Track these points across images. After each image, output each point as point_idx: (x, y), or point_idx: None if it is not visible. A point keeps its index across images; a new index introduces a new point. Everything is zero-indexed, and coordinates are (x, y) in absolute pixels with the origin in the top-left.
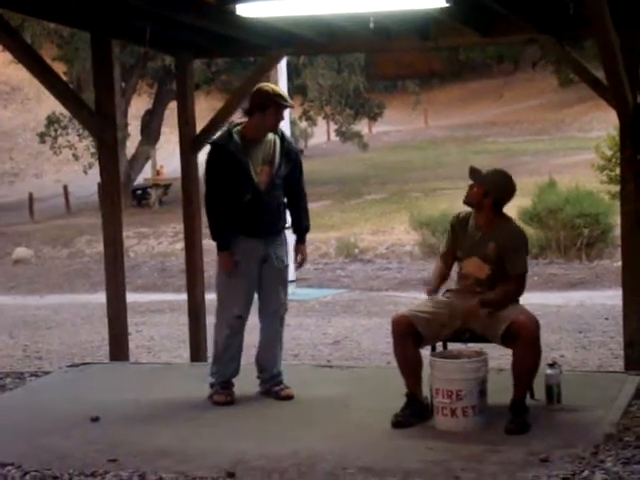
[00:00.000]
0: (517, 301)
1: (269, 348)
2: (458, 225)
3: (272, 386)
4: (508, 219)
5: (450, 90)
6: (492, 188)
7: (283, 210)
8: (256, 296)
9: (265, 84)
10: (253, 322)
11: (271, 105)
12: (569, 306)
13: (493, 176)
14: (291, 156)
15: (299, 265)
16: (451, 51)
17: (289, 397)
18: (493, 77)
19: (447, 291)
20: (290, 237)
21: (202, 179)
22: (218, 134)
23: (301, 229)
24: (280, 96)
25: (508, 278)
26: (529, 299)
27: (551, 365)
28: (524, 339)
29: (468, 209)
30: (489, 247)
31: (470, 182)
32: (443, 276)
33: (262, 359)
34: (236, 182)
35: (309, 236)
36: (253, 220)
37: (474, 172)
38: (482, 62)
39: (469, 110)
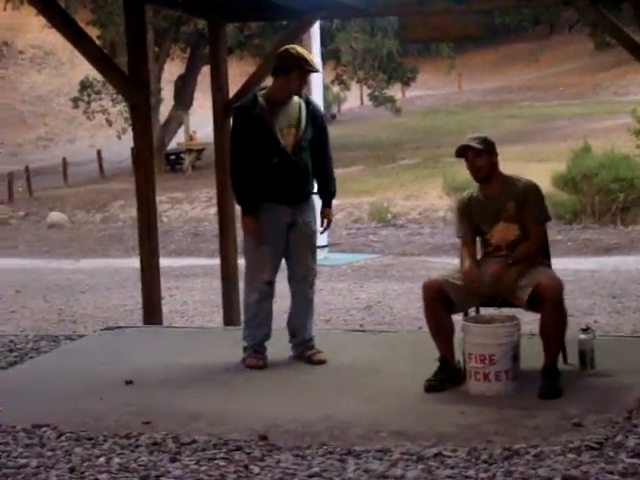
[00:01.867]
0: (545, 264)
1: (300, 313)
2: (469, 207)
3: (304, 350)
4: (509, 176)
5: (484, 54)
6: (492, 147)
7: (310, 174)
8: (284, 262)
9: (292, 46)
10: (285, 288)
11: (295, 68)
12: (603, 271)
13: (480, 139)
14: (317, 120)
15: (324, 229)
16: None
17: (321, 361)
18: (528, 40)
19: (479, 260)
20: (317, 202)
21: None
22: (244, 98)
23: (327, 194)
24: (304, 59)
25: (537, 231)
26: (563, 264)
27: (584, 330)
28: (549, 302)
29: (467, 190)
30: (508, 207)
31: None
32: (473, 255)
33: (294, 324)
34: (262, 145)
35: (343, 200)
36: (280, 185)
37: (470, 147)
38: (517, 25)
39: (504, 74)
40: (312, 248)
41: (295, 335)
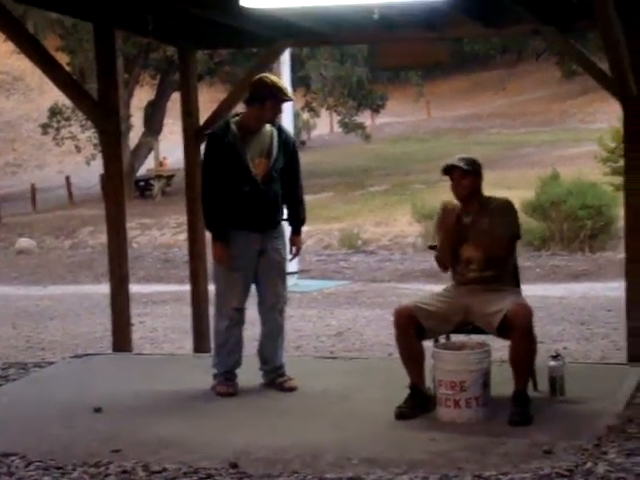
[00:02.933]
0: (515, 290)
1: (270, 340)
2: (452, 217)
3: (275, 377)
4: (494, 197)
5: (453, 81)
6: (479, 168)
7: (280, 203)
8: (254, 289)
9: (266, 75)
10: (255, 314)
11: (270, 97)
12: (572, 298)
13: (468, 160)
14: (288, 148)
15: (293, 256)
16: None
17: (292, 388)
18: (496, 68)
19: (449, 286)
20: (287, 229)
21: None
22: (216, 125)
23: (297, 221)
24: (279, 89)
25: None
26: (532, 290)
27: (554, 357)
28: (518, 329)
29: (452, 200)
30: (481, 223)
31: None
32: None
33: (264, 351)
34: (233, 173)
35: (312, 227)
36: (250, 212)
37: (457, 167)
38: (485, 53)
39: (472, 101)
40: (282, 275)
41: (266, 362)
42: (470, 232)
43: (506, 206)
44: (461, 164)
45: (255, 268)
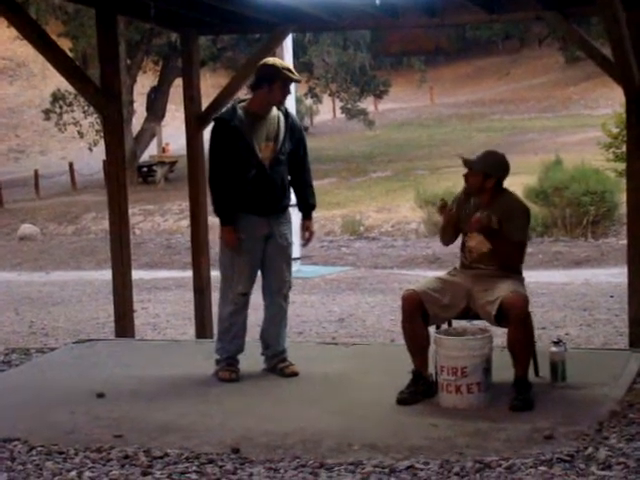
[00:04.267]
0: (514, 277)
1: (273, 325)
2: (464, 199)
3: (277, 363)
4: (508, 193)
5: (456, 67)
6: (492, 170)
7: (287, 187)
8: (260, 274)
9: (272, 58)
10: (258, 300)
11: (278, 78)
12: (574, 284)
13: (487, 158)
14: (295, 133)
15: (306, 242)
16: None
17: (294, 374)
18: (499, 54)
19: (453, 269)
20: (294, 215)
21: (207, 155)
22: (222, 110)
23: (307, 206)
24: (288, 69)
25: (510, 250)
26: (535, 277)
27: (556, 342)
28: (514, 317)
29: None
30: (491, 219)
31: (464, 171)
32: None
33: (267, 336)
34: (240, 157)
35: (315, 213)
36: (257, 197)
37: (467, 162)
38: (488, 39)
39: (475, 87)
40: (288, 260)
41: (268, 347)
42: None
43: (518, 210)
44: (473, 161)
45: (262, 253)
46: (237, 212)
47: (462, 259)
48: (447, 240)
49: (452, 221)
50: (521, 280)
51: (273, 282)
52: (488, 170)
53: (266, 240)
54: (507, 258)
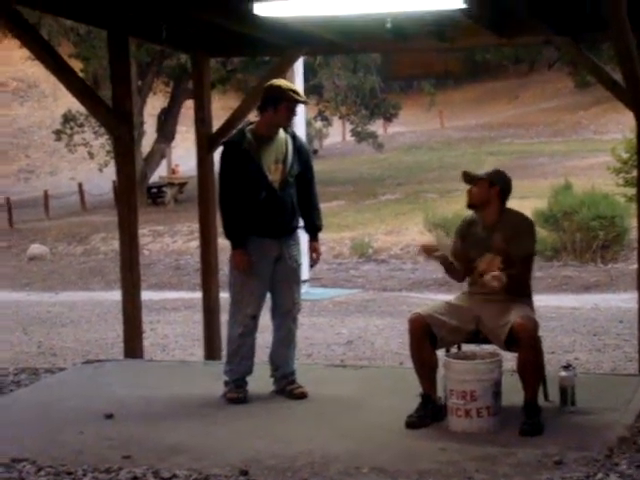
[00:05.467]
0: (524, 301)
1: (282, 347)
2: (467, 228)
3: (286, 385)
4: (513, 211)
5: (465, 91)
6: (495, 178)
7: (297, 209)
8: (269, 295)
9: (277, 80)
10: (267, 322)
11: (284, 99)
12: (584, 309)
13: (489, 170)
14: (303, 155)
15: (313, 263)
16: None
17: (303, 396)
18: (508, 78)
19: (462, 293)
20: (302, 236)
21: (217, 178)
22: (232, 133)
23: (314, 227)
24: (293, 90)
25: (519, 267)
26: (544, 301)
27: (566, 367)
28: (523, 341)
29: (472, 213)
30: (495, 239)
31: (467, 188)
32: (448, 262)
33: (276, 358)
34: (250, 180)
35: (324, 235)
36: (268, 219)
37: (469, 174)
38: (498, 63)
39: (484, 111)
40: (297, 282)
41: (277, 369)
42: (488, 245)
43: (523, 225)
44: (476, 174)
45: (271, 275)
46: (248, 235)
47: (471, 285)
48: (460, 276)
49: (457, 255)
50: (530, 304)
51: (283, 304)
52: (491, 178)
53: (276, 262)
54: (517, 278)
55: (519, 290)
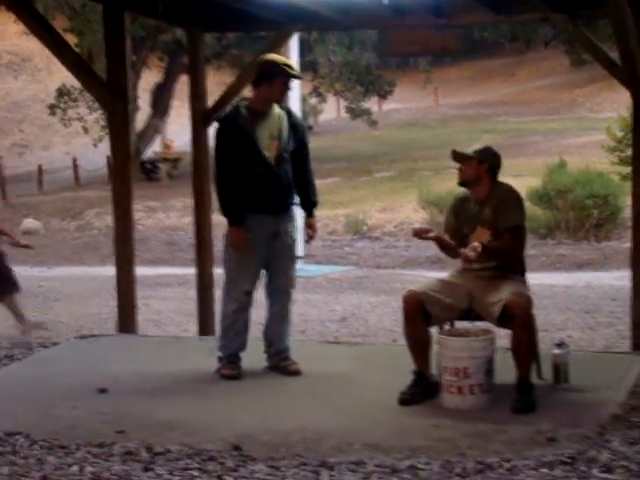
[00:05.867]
0: (517, 279)
1: (277, 323)
2: (460, 205)
3: (279, 361)
4: (503, 184)
5: (461, 68)
6: (483, 155)
7: (292, 185)
8: (263, 271)
9: (271, 54)
10: (261, 298)
11: (278, 74)
12: (576, 287)
13: (477, 148)
14: (298, 131)
15: (309, 239)
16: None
17: (296, 372)
18: (505, 56)
19: (455, 270)
20: (297, 213)
21: (212, 154)
22: (226, 110)
23: (310, 204)
24: (287, 65)
25: (509, 240)
26: (538, 279)
27: (559, 345)
28: (517, 319)
29: (464, 190)
30: (485, 212)
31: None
32: (442, 241)
33: (270, 333)
34: (246, 156)
35: (318, 212)
36: (264, 195)
37: (458, 153)
38: (494, 40)
39: (480, 89)
40: (292, 259)
41: (271, 345)
42: (478, 219)
43: (509, 195)
44: (464, 152)
45: (267, 251)
46: (244, 211)
47: (464, 262)
48: (455, 253)
49: (450, 232)
50: (524, 281)
51: (278, 280)
52: (480, 156)
53: (272, 238)
54: (502, 249)
55: (511, 266)
